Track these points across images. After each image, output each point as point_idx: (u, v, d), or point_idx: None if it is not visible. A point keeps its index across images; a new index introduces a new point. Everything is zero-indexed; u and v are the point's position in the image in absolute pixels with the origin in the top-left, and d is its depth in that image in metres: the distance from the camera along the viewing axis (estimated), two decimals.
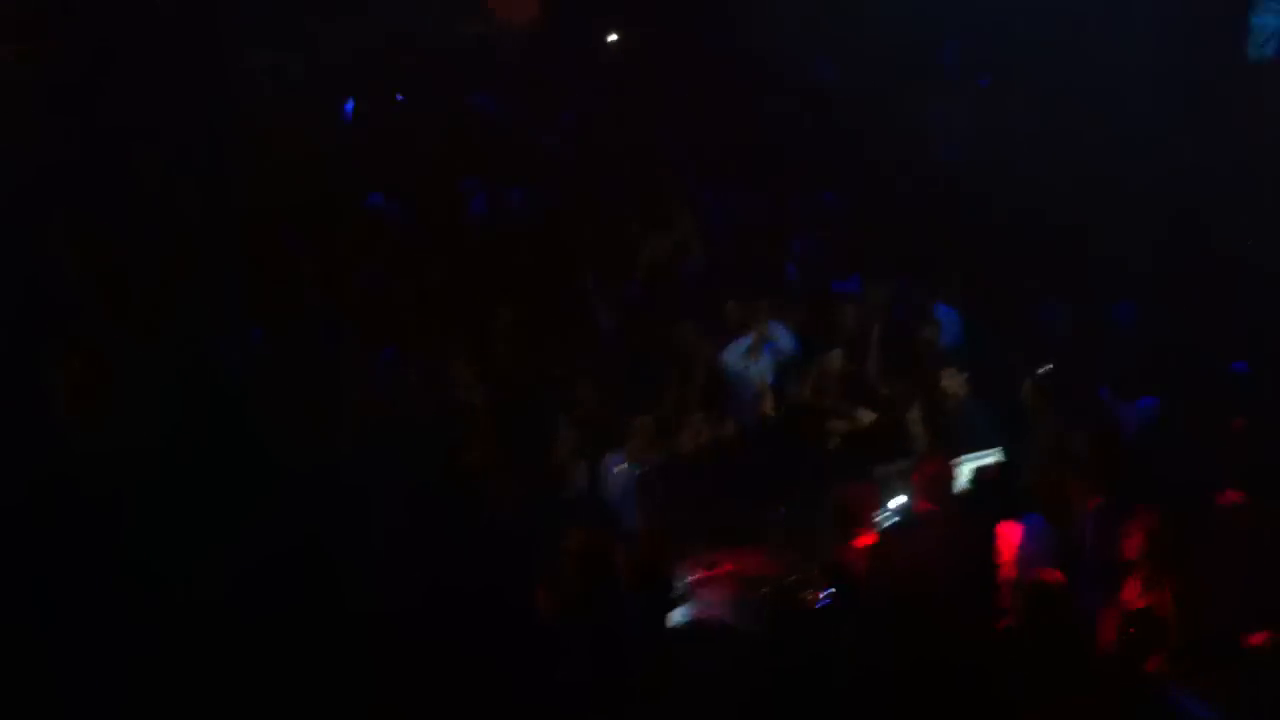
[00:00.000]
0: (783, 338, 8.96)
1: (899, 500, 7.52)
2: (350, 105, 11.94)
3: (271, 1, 12.92)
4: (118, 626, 5.49)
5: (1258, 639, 6.13)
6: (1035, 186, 11.94)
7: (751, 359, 8.86)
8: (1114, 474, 7.27)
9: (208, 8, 12.18)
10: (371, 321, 9.74)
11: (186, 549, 5.78)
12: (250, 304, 9.22)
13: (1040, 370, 8.95)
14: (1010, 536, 6.99)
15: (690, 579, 6.84)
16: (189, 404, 6.54)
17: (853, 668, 6.22)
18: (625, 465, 7.86)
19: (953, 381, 8.74)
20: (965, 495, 7.14)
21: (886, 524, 7.30)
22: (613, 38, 14.85)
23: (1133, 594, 6.59)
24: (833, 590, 6.76)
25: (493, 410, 8.56)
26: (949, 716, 5.88)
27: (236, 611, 5.72)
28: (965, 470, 7.28)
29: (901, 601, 6.52)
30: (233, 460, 6.32)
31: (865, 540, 7.00)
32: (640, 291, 9.87)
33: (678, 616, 6.53)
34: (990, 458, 7.76)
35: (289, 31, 13.23)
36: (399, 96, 13.74)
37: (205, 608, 5.67)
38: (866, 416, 8.52)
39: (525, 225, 11.09)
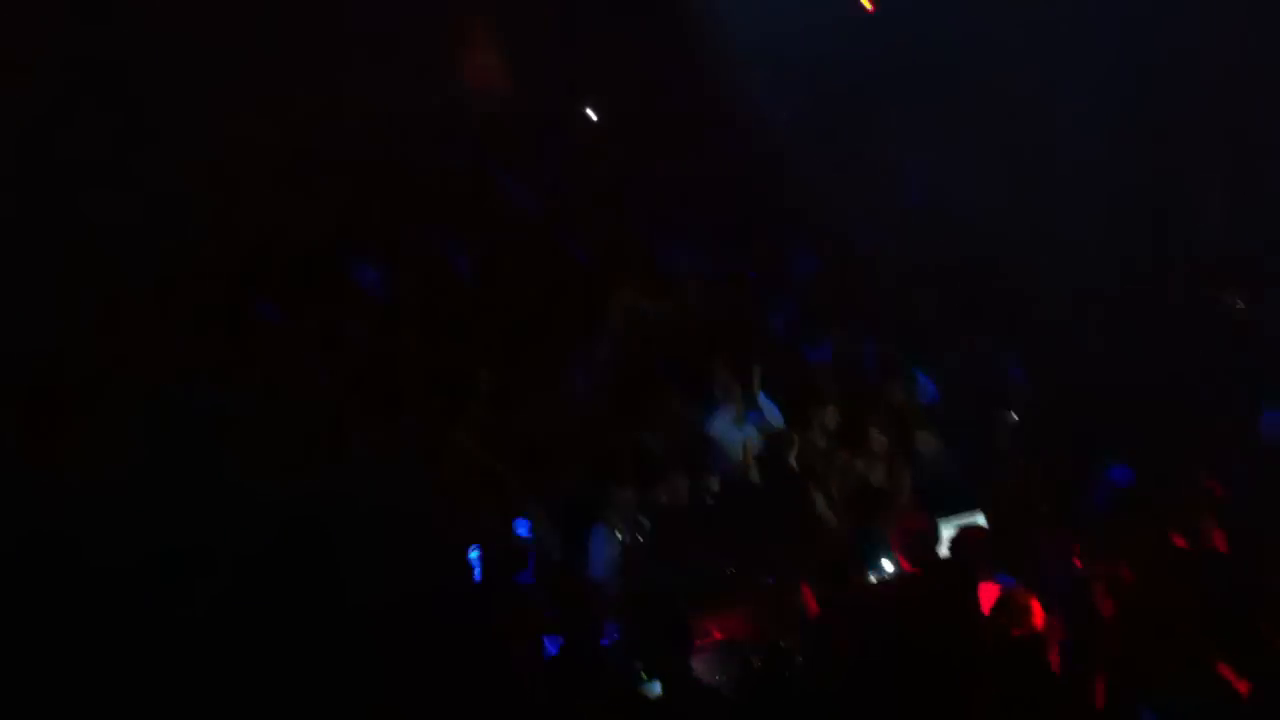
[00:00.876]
0: (767, 408, 9.07)
1: (884, 562, 7.64)
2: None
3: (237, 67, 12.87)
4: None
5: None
6: (996, 237, 12.14)
7: (736, 424, 8.96)
8: (1075, 526, 7.45)
9: (175, 73, 12.10)
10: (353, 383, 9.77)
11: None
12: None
13: (1008, 419, 9.14)
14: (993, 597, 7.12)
15: None
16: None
17: None
18: (607, 532, 7.91)
19: (927, 439, 8.91)
20: (949, 556, 7.24)
21: (870, 586, 7.41)
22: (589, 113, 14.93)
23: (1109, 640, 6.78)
24: (816, 658, 6.85)
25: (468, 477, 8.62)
26: None
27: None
28: (948, 532, 7.39)
29: (885, 665, 6.63)
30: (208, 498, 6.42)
31: (850, 603, 7.10)
32: (620, 355, 9.93)
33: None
34: (972, 518, 7.89)
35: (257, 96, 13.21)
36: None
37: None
38: (849, 479, 8.63)
39: (502, 289, 11.14)
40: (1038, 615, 6.92)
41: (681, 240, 11.91)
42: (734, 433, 8.92)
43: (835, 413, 8.88)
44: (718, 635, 7.41)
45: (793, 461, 8.47)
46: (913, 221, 12.80)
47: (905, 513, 8.09)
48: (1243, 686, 6.27)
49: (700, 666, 6.98)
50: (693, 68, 14.63)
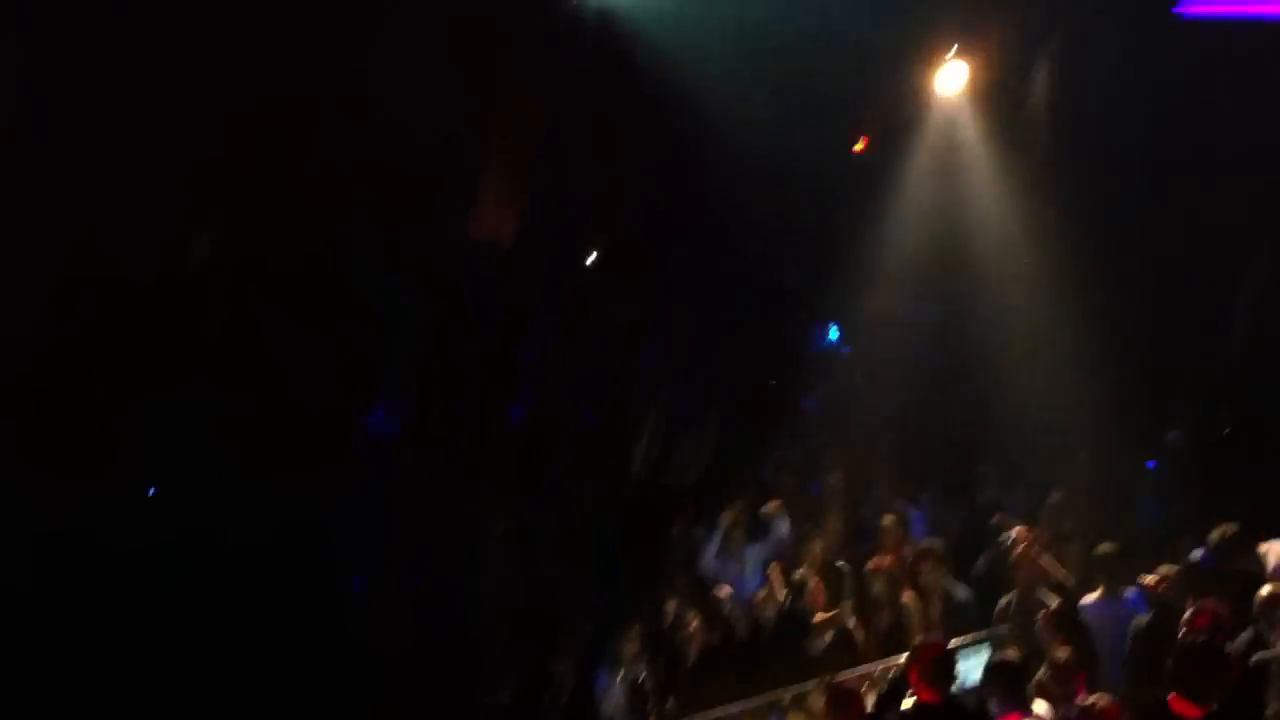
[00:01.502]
0: (779, 527, 9.04)
1: (901, 697, 7.50)
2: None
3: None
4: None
5: None
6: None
7: (733, 560, 8.92)
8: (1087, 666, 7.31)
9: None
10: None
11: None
12: None
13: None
14: None
15: None
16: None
17: None
18: (622, 672, 7.82)
19: (933, 573, 8.82)
20: (972, 688, 7.13)
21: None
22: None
23: None
24: None
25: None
26: None
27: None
28: (969, 663, 7.29)
29: None
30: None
31: None
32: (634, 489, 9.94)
33: None
34: (990, 649, 7.79)
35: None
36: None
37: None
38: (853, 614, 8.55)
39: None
40: None
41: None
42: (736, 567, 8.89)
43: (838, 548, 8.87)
44: None
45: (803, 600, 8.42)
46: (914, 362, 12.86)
47: (923, 641, 7.99)
48: None
49: None
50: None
